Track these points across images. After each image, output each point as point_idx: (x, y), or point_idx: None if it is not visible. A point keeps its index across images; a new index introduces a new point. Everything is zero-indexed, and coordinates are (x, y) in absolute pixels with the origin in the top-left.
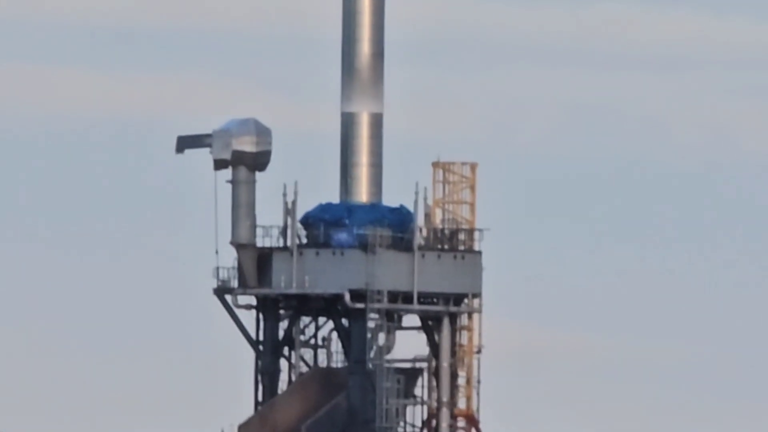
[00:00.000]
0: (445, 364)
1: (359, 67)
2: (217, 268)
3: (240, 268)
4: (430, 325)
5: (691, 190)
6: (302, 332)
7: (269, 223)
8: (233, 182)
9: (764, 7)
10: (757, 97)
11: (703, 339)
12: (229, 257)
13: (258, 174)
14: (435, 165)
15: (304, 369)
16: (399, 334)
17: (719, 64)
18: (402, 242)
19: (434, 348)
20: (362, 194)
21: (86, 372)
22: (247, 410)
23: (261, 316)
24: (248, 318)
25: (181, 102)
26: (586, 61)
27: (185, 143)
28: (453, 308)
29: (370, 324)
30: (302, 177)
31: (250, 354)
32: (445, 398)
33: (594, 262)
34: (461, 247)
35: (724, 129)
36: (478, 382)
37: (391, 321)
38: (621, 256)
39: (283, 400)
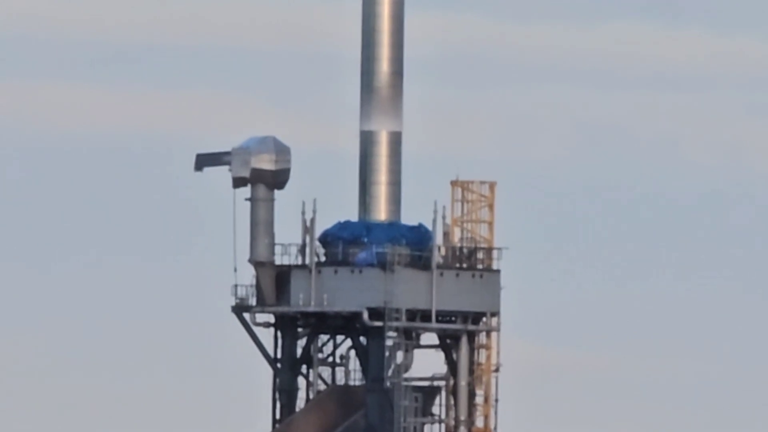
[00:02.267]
0: (463, 382)
1: (378, 86)
2: (236, 286)
3: (258, 286)
4: (448, 344)
5: (707, 211)
6: (320, 350)
7: (288, 241)
8: (252, 200)
9: None
10: None
11: (721, 360)
12: (248, 275)
13: (277, 192)
14: (454, 184)
15: (322, 387)
16: (417, 352)
17: (733, 83)
18: (420, 261)
19: (452, 366)
20: (381, 212)
21: (105, 389)
22: (265, 428)
23: (279, 333)
24: (266, 336)
25: (201, 120)
26: (604, 80)
27: (204, 161)
28: (471, 327)
29: (389, 342)
30: (321, 195)
31: (268, 372)
32: (462, 417)
33: (612, 282)
34: (480, 266)
35: (738, 149)
36: (496, 400)
37: (410, 339)
38: (639, 276)
39: (301, 418)
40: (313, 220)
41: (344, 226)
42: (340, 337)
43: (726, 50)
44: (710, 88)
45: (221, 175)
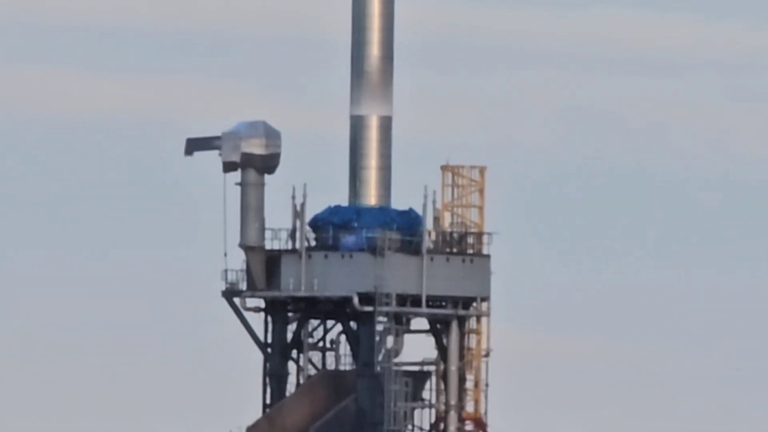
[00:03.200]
0: (453, 367)
1: (368, 70)
2: (226, 271)
3: (248, 271)
4: (438, 329)
5: (695, 195)
6: (310, 335)
7: (278, 225)
8: (242, 185)
9: (762, 10)
10: (756, 102)
11: (713, 344)
12: (238, 260)
13: (267, 176)
14: (444, 168)
15: (313, 372)
16: (407, 337)
17: (717, 67)
18: (411, 245)
19: (442, 351)
20: (371, 197)
21: (94, 373)
22: (255, 413)
23: (269, 318)
24: (257, 320)
25: (190, 104)
26: (594, 65)
27: (194, 145)
28: (461, 312)
29: (379, 327)
30: (311, 180)
31: (258, 356)
32: (453, 401)
33: (602, 266)
34: (470, 251)
35: (724, 133)
36: (487, 385)
37: (400, 324)
38: (630, 260)
39: (291, 403)
40: (303, 205)
41: (334, 210)
42: (330, 322)
43: (711, 35)
44: (695, 73)
45: (211, 159)
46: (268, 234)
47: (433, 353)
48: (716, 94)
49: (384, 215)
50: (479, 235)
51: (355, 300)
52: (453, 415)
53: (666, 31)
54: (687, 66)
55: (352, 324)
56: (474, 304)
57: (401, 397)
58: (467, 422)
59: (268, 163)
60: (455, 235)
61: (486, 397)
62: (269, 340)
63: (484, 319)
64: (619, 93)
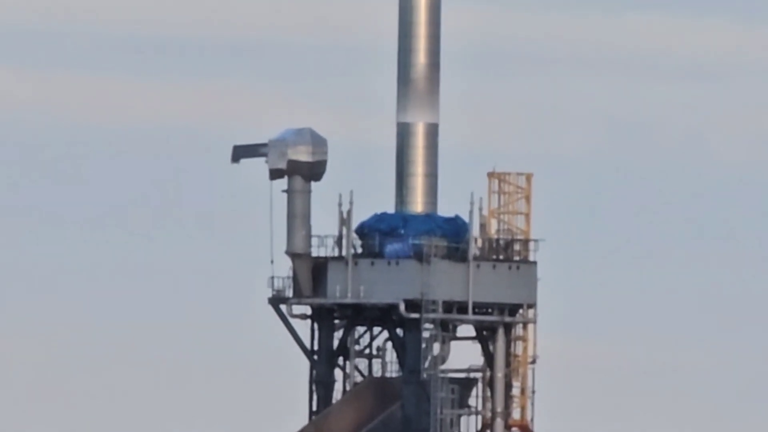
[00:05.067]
0: (499, 374)
1: (415, 78)
2: (273, 278)
3: (295, 278)
4: (484, 335)
5: (740, 203)
6: (357, 342)
7: (324, 232)
8: (289, 192)
9: None
10: None
11: (763, 353)
12: (285, 267)
13: (313, 184)
14: (490, 175)
15: (359, 379)
16: (454, 344)
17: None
18: (457, 252)
19: (489, 358)
20: (417, 204)
21: (143, 381)
22: (302, 420)
23: (316, 325)
24: (303, 328)
25: (237, 111)
26: (642, 72)
27: (241, 153)
28: (508, 318)
29: (425, 334)
30: (358, 187)
31: (304, 364)
32: (499, 408)
33: (648, 273)
34: (516, 258)
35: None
36: (533, 392)
37: (446, 331)
38: (676, 268)
39: (338, 410)
40: (349, 212)
41: (381, 217)
42: (376, 329)
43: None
44: (738, 79)
45: (258, 166)
46: (314, 241)
47: (479, 360)
48: (759, 100)
49: (430, 222)
50: (525, 242)
51: (402, 307)
52: (499, 422)
53: (713, 38)
54: (730, 72)
55: (399, 331)
56: (520, 311)
57: (447, 404)
58: (513, 429)
59: (314, 171)
60: (501, 242)
61: (532, 404)
62: (316, 347)
63: (530, 326)
64: (666, 100)
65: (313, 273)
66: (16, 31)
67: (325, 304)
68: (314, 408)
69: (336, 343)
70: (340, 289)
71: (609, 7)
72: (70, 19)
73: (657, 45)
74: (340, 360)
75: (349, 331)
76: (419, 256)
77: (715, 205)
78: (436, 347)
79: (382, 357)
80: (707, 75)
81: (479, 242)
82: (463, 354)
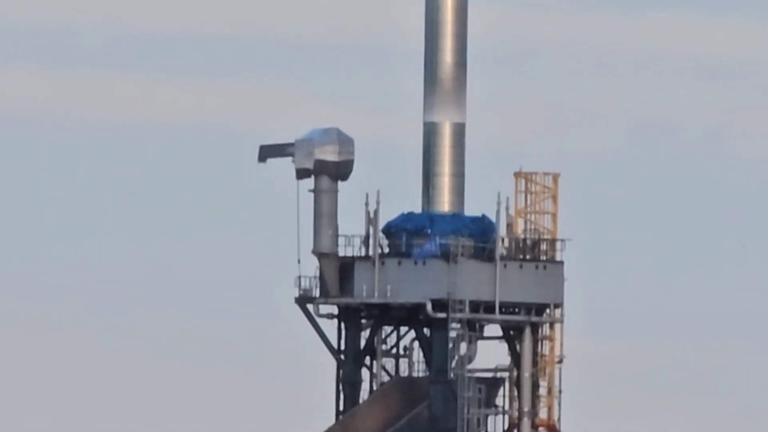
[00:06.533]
0: (526, 374)
1: (442, 77)
2: (299, 278)
3: (322, 278)
4: (511, 335)
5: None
6: (384, 342)
7: (351, 232)
8: (315, 191)
9: None
10: None
11: None
12: (311, 266)
13: (340, 183)
14: (517, 175)
15: (386, 378)
16: (480, 343)
17: None
18: (484, 252)
19: (516, 358)
20: (444, 204)
21: (169, 379)
22: (329, 419)
23: (342, 325)
24: (330, 327)
25: (264, 111)
26: (666, 72)
27: (268, 152)
28: (535, 318)
29: (452, 333)
30: (384, 186)
31: (331, 363)
32: (526, 408)
33: (676, 273)
34: (543, 257)
35: None
36: (560, 392)
37: (473, 331)
38: (702, 267)
39: (365, 410)
40: (376, 212)
41: (408, 217)
42: (403, 329)
43: None
44: (763, 78)
45: (284, 166)
46: (341, 241)
47: (506, 360)
48: None
49: (457, 222)
50: (552, 242)
51: (429, 307)
52: (526, 422)
53: (735, 36)
54: (755, 71)
55: (426, 330)
56: (547, 311)
57: (474, 404)
58: (540, 429)
59: (341, 170)
60: (528, 242)
61: (559, 404)
62: (342, 347)
63: (557, 326)
64: (692, 99)
65: (339, 273)
66: (43, 29)
67: (352, 304)
68: (341, 408)
69: (363, 342)
70: (366, 289)
71: (634, 7)
72: (97, 18)
73: (682, 45)
74: (367, 360)
75: (375, 330)
76: (446, 255)
77: (742, 204)
78: (463, 347)
79: (409, 357)
80: (731, 74)
81: (506, 242)
82: (490, 354)
